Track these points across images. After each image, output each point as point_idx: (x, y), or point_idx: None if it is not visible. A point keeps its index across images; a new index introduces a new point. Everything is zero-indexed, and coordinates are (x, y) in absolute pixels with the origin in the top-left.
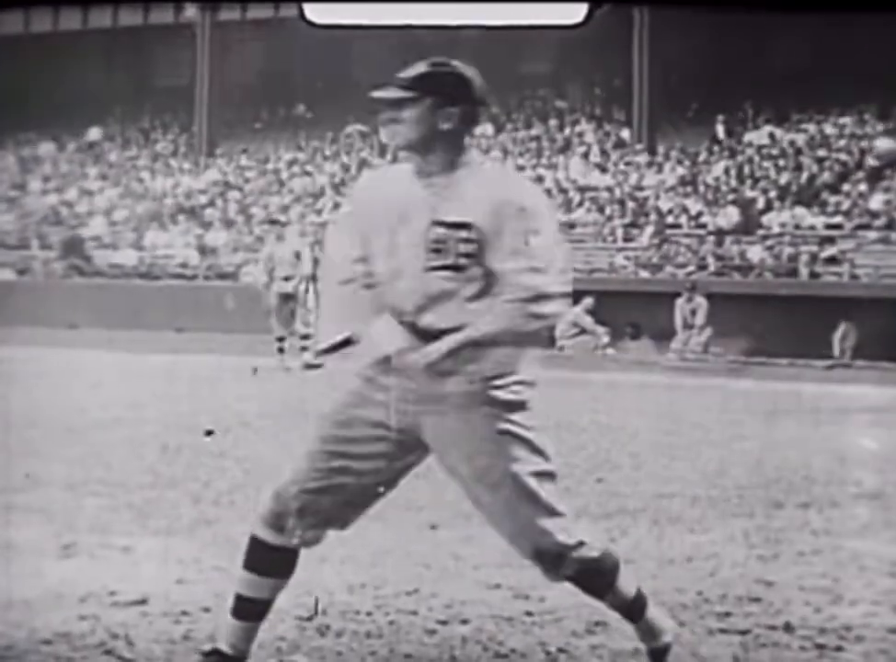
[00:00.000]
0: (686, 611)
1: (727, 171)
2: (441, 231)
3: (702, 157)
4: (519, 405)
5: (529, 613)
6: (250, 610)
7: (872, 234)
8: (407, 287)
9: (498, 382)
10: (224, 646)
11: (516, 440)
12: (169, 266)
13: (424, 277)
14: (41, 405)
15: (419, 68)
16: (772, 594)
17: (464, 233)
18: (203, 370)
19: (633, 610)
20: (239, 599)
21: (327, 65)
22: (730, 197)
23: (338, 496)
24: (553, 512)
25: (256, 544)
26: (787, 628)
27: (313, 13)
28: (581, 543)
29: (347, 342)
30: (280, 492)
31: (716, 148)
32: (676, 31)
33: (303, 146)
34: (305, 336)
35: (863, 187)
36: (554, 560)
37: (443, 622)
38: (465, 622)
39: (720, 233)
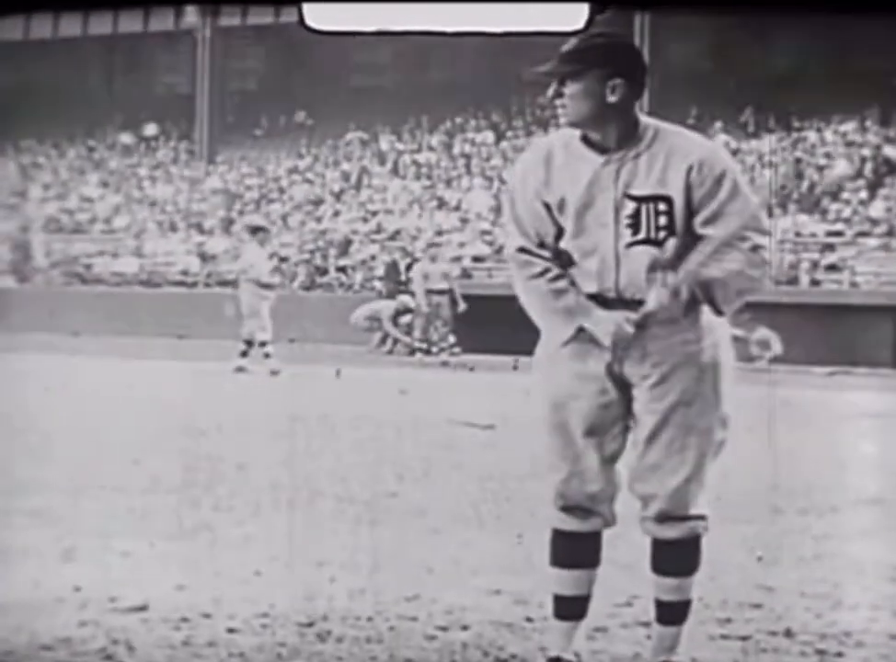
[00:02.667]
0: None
1: None
2: (634, 205)
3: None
4: (727, 369)
5: (529, 619)
6: (575, 609)
7: (873, 242)
8: (603, 265)
9: (712, 342)
10: (567, 655)
11: (717, 406)
12: (170, 273)
13: (621, 253)
14: (43, 411)
15: (580, 40)
16: (772, 599)
17: (661, 206)
18: (204, 376)
19: (681, 611)
20: (561, 601)
21: (326, 73)
22: None
23: (605, 461)
24: (703, 480)
25: (561, 537)
26: (788, 633)
27: (312, 19)
28: (703, 517)
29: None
30: (563, 487)
31: None
32: (677, 36)
33: (303, 154)
34: (263, 343)
35: (863, 194)
36: (673, 520)
37: (444, 628)
38: (465, 627)
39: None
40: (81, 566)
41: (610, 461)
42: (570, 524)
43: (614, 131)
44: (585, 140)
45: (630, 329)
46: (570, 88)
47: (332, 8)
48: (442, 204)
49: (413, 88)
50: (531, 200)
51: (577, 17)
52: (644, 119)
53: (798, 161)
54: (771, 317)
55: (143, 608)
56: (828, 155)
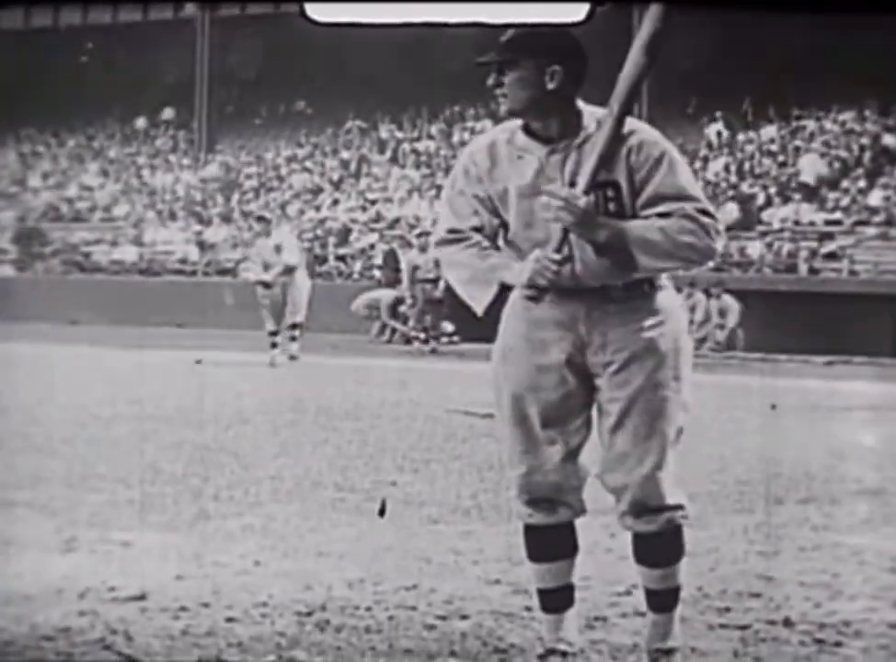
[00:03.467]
0: (686, 606)
1: (726, 167)
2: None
3: (702, 154)
4: (686, 355)
5: (528, 609)
6: (560, 600)
7: (871, 230)
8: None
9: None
10: (561, 645)
11: (679, 391)
12: (169, 262)
13: (574, 242)
14: (42, 401)
15: (517, 30)
16: (772, 589)
17: (610, 192)
18: (203, 365)
19: (670, 598)
20: (544, 593)
21: (326, 61)
22: (730, 193)
23: (568, 453)
24: (670, 467)
25: (532, 532)
26: (787, 623)
27: (314, 10)
28: (681, 506)
29: (503, 289)
30: (526, 481)
31: (715, 144)
32: (676, 28)
33: (302, 142)
34: (294, 326)
35: (862, 183)
36: (649, 512)
37: (443, 618)
38: (464, 617)
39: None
40: (80, 557)
41: (573, 452)
42: (537, 518)
43: (555, 120)
44: (528, 131)
45: (555, 257)
46: (509, 77)
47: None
48: (441, 192)
49: (412, 77)
50: (472, 191)
51: (577, 9)
52: (586, 107)
53: (798, 150)
54: (769, 305)
55: (142, 598)
56: (827, 145)
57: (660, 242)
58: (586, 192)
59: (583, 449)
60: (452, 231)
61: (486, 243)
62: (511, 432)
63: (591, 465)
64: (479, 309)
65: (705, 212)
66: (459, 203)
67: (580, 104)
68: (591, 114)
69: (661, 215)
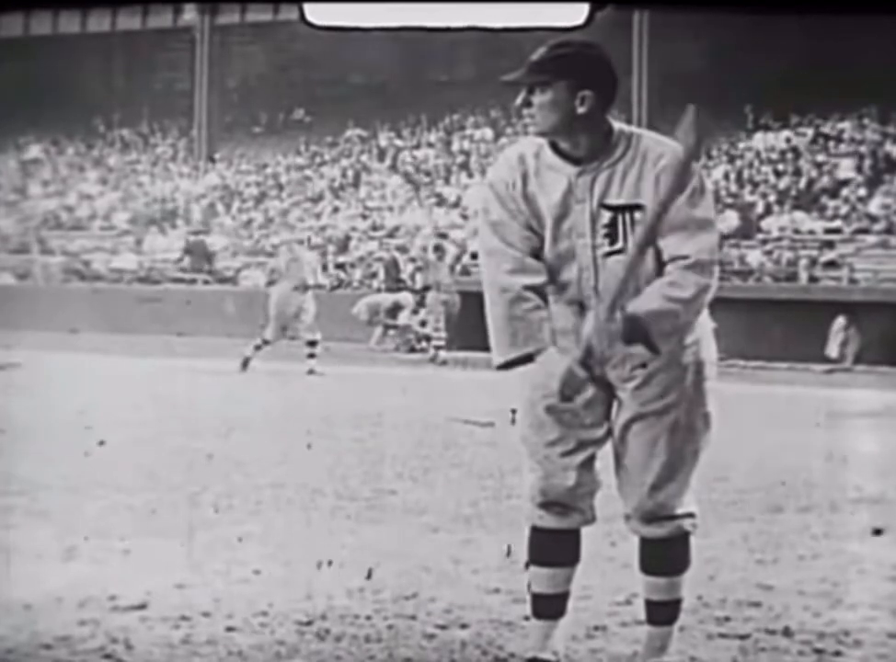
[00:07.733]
0: (686, 615)
1: (726, 175)
2: (610, 215)
3: (701, 161)
4: (709, 366)
5: (528, 618)
6: (554, 607)
7: (871, 238)
8: (582, 274)
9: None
10: (546, 654)
11: (701, 404)
12: (168, 270)
13: (599, 262)
14: (42, 409)
15: (549, 50)
16: (771, 598)
17: (637, 215)
18: (203, 374)
19: (672, 611)
20: (540, 599)
21: (325, 70)
22: (729, 201)
23: (586, 459)
24: (689, 479)
25: (539, 534)
26: (787, 632)
27: (313, 14)
28: (692, 515)
29: (527, 358)
30: (543, 483)
31: (714, 152)
32: (676, 34)
33: (302, 150)
34: (312, 343)
35: (862, 191)
36: (658, 518)
37: (443, 627)
38: (464, 626)
39: (719, 238)
40: (81, 565)
41: (591, 459)
42: (548, 521)
43: (584, 142)
44: (556, 149)
45: (582, 374)
46: (538, 98)
47: (332, 5)
48: (441, 201)
49: (412, 85)
50: (507, 208)
51: (577, 13)
52: (617, 126)
53: (797, 157)
54: (769, 314)
55: (142, 606)
56: (827, 152)
57: (674, 321)
58: (611, 310)
59: (598, 454)
60: (492, 251)
61: (515, 289)
62: (531, 436)
63: (604, 471)
64: (499, 360)
65: (710, 250)
66: (497, 221)
67: (610, 121)
68: (621, 132)
69: (668, 261)
